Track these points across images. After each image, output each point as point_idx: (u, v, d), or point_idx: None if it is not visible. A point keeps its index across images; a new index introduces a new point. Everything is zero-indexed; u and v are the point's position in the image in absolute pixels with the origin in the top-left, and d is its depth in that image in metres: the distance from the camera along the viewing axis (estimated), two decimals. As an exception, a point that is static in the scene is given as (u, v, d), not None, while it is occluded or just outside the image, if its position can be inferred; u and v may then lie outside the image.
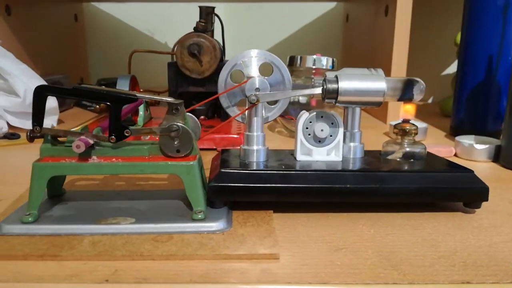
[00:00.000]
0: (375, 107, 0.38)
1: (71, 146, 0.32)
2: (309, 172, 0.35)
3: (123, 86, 0.57)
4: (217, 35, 0.67)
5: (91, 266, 0.28)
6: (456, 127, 0.65)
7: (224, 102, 0.39)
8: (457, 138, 0.55)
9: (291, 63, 0.61)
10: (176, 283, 0.26)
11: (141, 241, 0.30)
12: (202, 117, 0.64)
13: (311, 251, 0.30)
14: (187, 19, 0.73)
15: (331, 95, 0.35)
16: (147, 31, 1.12)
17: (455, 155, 0.55)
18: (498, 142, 0.52)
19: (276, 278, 0.26)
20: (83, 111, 0.82)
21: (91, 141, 0.33)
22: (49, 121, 0.69)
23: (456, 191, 0.35)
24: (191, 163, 0.33)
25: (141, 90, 0.68)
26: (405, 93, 0.38)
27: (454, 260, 0.29)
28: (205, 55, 0.58)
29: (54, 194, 0.37)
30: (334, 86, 0.35)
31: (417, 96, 0.39)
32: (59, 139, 0.34)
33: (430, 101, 1.04)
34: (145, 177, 0.44)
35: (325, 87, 0.35)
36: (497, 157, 0.52)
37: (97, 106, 0.70)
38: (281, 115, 0.41)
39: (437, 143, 0.60)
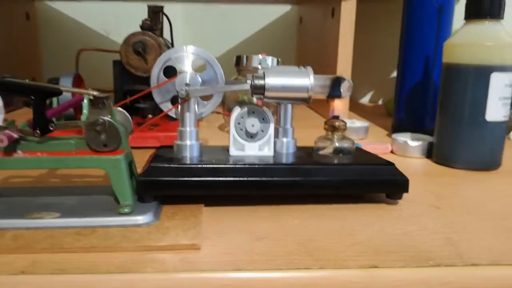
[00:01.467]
0: (305, 103, 0.39)
1: (-6, 140, 0.31)
2: (236, 166, 0.36)
3: (66, 83, 0.56)
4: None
5: (10, 259, 0.28)
6: (396, 126, 0.68)
7: (157, 97, 0.39)
8: (394, 135, 0.58)
9: (238, 62, 0.62)
10: (93, 273, 0.26)
11: (64, 235, 0.30)
12: (149, 116, 0.64)
13: (233, 241, 0.31)
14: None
15: (258, 90, 0.37)
16: (103, 31, 1.11)
17: (392, 152, 0.57)
18: (431, 139, 0.55)
19: (193, 266, 0.27)
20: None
21: (16, 135, 0.33)
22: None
23: (377, 183, 0.37)
24: (117, 157, 0.33)
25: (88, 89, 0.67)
26: (333, 90, 0.40)
27: (367, 247, 0.30)
28: (150, 53, 0.58)
29: (-18, 190, 0.36)
30: (261, 82, 0.36)
31: (345, 93, 0.41)
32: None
33: (380, 102, 1.07)
34: (80, 174, 0.44)
35: (252, 83, 0.36)
36: (430, 153, 0.54)
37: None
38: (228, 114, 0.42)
39: (377, 141, 0.62)
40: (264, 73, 0.37)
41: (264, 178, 0.35)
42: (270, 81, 0.36)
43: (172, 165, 0.35)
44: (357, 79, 1.07)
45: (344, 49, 0.73)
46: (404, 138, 0.56)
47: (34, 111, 0.32)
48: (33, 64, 1.06)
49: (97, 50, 0.71)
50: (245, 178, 0.35)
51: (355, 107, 0.96)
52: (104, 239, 0.30)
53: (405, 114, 0.67)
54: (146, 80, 0.61)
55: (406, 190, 0.37)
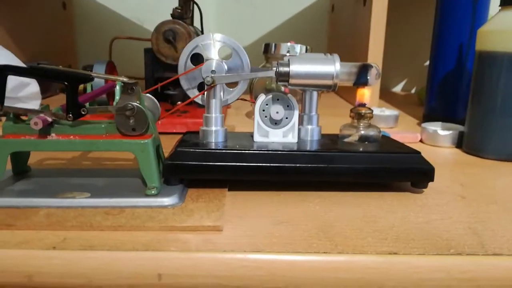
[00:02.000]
0: (331, 91, 0.39)
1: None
2: (259, 152, 0.36)
3: (99, 70, 0.58)
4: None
5: (42, 235, 0.29)
6: (427, 115, 0.66)
7: (184, 84, 0.40)
8: (423, 124, 0.57)
9: (266, 50, 0.63)
10: (119, 250, 0.28)
11: (93, 214, 0.32)
12: (178, 102, 0.65)
13: (254, 224, 0.31)
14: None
15: (282, 77, 0.37)
16: (136, 19, 1.14)
17: (421, 141, 0.56)
18: (462, 128, 0.54)
19: (214, 247, 0.28)
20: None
21: (50, 119, 0.34)
22: (32, 106, 0.70)
23: (402, 171, 0.37)
24: (145, 141, 0.34)
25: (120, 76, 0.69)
26: (360, 78, 0.40)
27: (388, 234, 0.30)
28: (180, 42, 0.60)
29: (19, 170, 0.38)
30: (286, 69, 0.37)
31: (372, 80, 0.40)
32: (22, 117, 0.36)
33: (413, 91, 1.05)
34: (111, 157, 0.45)
35: (277, 69, 0.37)
36: (461, 142, 0.53)
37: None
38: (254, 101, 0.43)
39: (407, 130, 0.61)
40: (289, 60, 0.37)
41: (287, 164, 0.36)
42: (295, 68, 0.37)
43: (197, 150, 0.36)
44: (389, 67, 1.05)
45: (376, 37, 0.72)
46: (434, 127, 0.55)
47: (67, 96, 0.34)
48: (69, 52, 1.10)
49: (130, 38, 0.73)
50: (268, 164, 0.36)
51: (386, 96, 0.94)
52: (131, 219, 0.31)
53: (437, 103, 0.65)
54: (176, 68, 0.62)
55: (432, 179, 0.37)
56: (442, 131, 0.53)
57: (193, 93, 0.40)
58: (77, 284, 0.27)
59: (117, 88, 0.60)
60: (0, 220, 0.31)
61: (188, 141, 0.39)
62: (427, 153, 0.51)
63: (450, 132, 0.53)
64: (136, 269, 0.27)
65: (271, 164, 0.36)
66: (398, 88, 1.08)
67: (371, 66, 0.40)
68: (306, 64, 0.37)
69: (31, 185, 0.36)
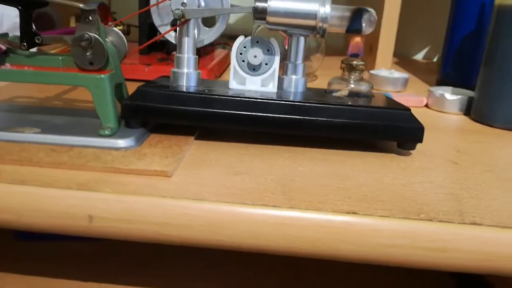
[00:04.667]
0: (317, 36, 0.35)
1: (-17, 51, 0.31)
2: (229, 98, 0.33)
3: (90, 12, 0.55)
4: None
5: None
6: (441, 80, 0.61)
7: (156, 19, 0.37)
8: (431, 88, 0.52)
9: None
10: (51, 187, 0.25)
11: (38, 150, 0.29)
12: (173, 52, 0.62)
13: (209, 174, 0.28)
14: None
15: (259, 15, 0.33)
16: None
17: (427, 106, 0.51)
18: (472, 94, 0.49)
19: (154, 192, 0.25)
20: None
21: (3, 47, 0.32)
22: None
23: (387, 128, 0.33)
24: (101, 76, 0.31)
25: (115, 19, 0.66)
26: (353, 24, 0.35)
27: (354, 193, 0.27)
28: (175, -15, 0.55)
29: (-19, 104, 0.37)
30: (264, 4, 0.33)
31: (366, 28, 0.36)
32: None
33: (435, 59, 0.98)
34: (86, 99, 0.43)
35: (254, 5, 0.33)
36: (470, 109, 0.48)
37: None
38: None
39: (412, 93, 0.56)
40: (266, -3, 0.33)
41: (258, 113, 0.32)
42: (274, 3, 0.32)
43: (160, 91, 0.33)
44: (411, 33, 0.98)
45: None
46: (442, 91, 0.50)
47: (21, 23, 0.31)
48: None
49: (130, -18, 0.69)
50: (239, 112, 0.32)
51: (404, 62, 0.88)
52: (76, 158, 0.28)
53: (453, 68, 0.60)
54: (171, 14, 0.59)
55: (420, 140, 0.33)
56: (450, 96, 0.48)
57: (165, 30, 0.37)
58: (5, 218, 0.25)
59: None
60: None
61: (156, 82, 0.36)
62: (430, 118, 0.47)
63: (458, 97, 0.48)
64: (66, 209, 0.25)
65: (242, 112, 0.32)
66: (419, 56, 1.01)
67: (367, 11, 0.35)
68: (287, 1, 0.33)
69: (-13, 118, 0.34)
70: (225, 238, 0.24)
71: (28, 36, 0.31)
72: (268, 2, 0.32)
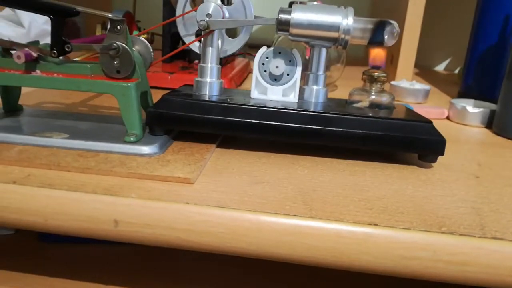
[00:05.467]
0: (339, 47, 0.35)
1: (16, 58, 0.32)
2: (252, 107, 0.33)
3: (115, 21, 0.57)
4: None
5: (8, 170, 0.28)
6: (463, 93, 0.61)
7: (181, 30, 0.37)
8: (453, 100, 0.51)
9: (290, 10, 0.59)
10: (77, 191, 0.26)
11: (66, 155, 0.30)
12: (196, 61, 0.63)
13: (231, 181, 0.29)
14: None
15: (283, 26, 0.33)
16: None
17: (448, 118, 0.51)
18: (494, 107, 0.48)
19: (177, 198, 0.26)
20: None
21: (34, 54, 0.33)
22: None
23: (408, 141, 0.33)
24: (128, 84, 0.32)
25: (143, 29, 0.68)
26: (375, 36, 0.36)
27: (376, 205, 0.27)
28: (198, -5, 0.57)
29: (10, 109, 0.38)
30: (287, 16, 0.33)
31: (389, 40, 0.36)
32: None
33: (456, 71, 0.97)
34: (110, 106, 0.44)
35: (277, 17, 0.33)
36: (491, 121, 0.48)
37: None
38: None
39: (434, 105, 0.56)
40: (292, 7, 0.33)
41: (279, 123, 0.33)
42: (297, 16, 0.33)
43: (184, 100, 0.34)
44: (433, 45, 0.98)
45: (415, 4, 0.66)
46: (464, 103, 0.50)
47: (52, 31, 0.32)
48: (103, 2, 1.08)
49: (155, -8, 0.71)
50: (260, 121, 0.33)
51: (425, 74, 0.88)
52: (102, 163, 0.29)
53: (474, 81, 0.59)
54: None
55: (442, 153, 0.33)
56: (471, 108, 0.48)
57: (189, 40, 0.37)
58: (32, 221, 0.26)
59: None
60: (-28, 152, 0.30)
61: (180, 91, 0.37)
62: (452, 130, 0.46)
63: (480, 110, 0.48)
64: (92, 213, 0.25)
65: (263, 122, 0.33)
66: (441, 67, 1.01)
67: (389, 23, 0.36)
68: (309, 13, 0.33)
69: (16, 122, 0.35)
70: (246, 246, 0.25)
71: (58, 44, 0.33)
72: (292, 14, 0.33)
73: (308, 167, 0.32)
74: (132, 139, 0.32)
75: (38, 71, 0.33)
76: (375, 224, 0.24)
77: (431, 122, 0.34)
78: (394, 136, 0.33)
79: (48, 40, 0.68)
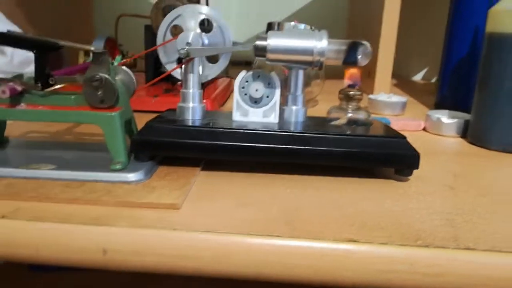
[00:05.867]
0: (315, 69, 0.37)
1: (0, 92, 0.33)
2: (233, 130, 0.34)
3: (98, 46, 0.58)
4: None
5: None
6: (438, 103, 0.63)
7: (162, 57, 0.39)
8: (429, 112, 0.53)
9: (269, 29, 0.60)
10: (67, 223, 0.27)
11: (53, 186, 0.31)
12: (179, 82, 0.64)
13: (217, 205, 0.30)
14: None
15: (260, 52, 0.35)
16: None
17: (425, 129, 0.53)
18: (468, 117, 0.50)
19: (165, 224, 0.27)
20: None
21: (19, 88, 0.34)
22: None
23: (384, 156, 0.34)
24: (112, 114, 0.33)
25: (126, 52, 0.69)
26: (348, 56, 0.37)
27: (356, 221, 0.28)
28: (178, 19, 0.58)
29: (-4, 141, 0.38)
30: (263, 43, 0.34)
31: (362, 60, 0.37)
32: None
33: (433, 80, 1.00)
34: (96, 132, 0.45)
35: (254, 43, 0.35)
36: (466, 131, 0.49)
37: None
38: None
39: (411, 118, 0.58)
40: (267, 34, 0.35)
41: (260, 145, 0.34)
42: (273, 42, 0.34)
43: (167, 126, 0.35)
44: (410, 55, 1.00)
45: (389, 19, 0.68)
46: (440, 115, 0.52)
47: (36, 65, 0.33)
48: (86, 26, 1.09)
49: (135, 16, 0.72)
50: (242, 143, 0.34)
51: (403, 84, 0.90)
52: (89, 193, 0.30)
53: (449, 91, 0.62)
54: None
55: (416, 167, 0.34)
56: (446, 119, 0.50)
57: (172, 67, 0.39)
58: (25, 253, 0.27)
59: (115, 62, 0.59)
60: (-40, 188, 0.30)
61: (163, 117, 0.38)
62: (428, 142, 0.48)
63: (455, 120, 0.50)
64: (82, 243, 0.26)
65: (245, 144, 0.34)
66: (418, 77, 1.03)
67: (361, 44, 0.37)
68: (285, 38, 0.35)
69: (2, 155, 0.36)
70: (233, 268, 0.26)
71: (42, 77, 0.33)
72: (268, 40, 0.34)
73: (291, 186, 0.33)
74: (117, 167, 0.33)
75: (23, 104, 0.34)
76: (355, 241, 0.26)
77: (405, 138, 0.35)
78: (370, 152, 0.34)
79: (31, 68, 0.69)
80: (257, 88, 0.37)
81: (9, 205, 0.29)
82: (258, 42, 0.35)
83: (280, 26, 0.60)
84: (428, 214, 0.30)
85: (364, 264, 0.25)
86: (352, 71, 0.39)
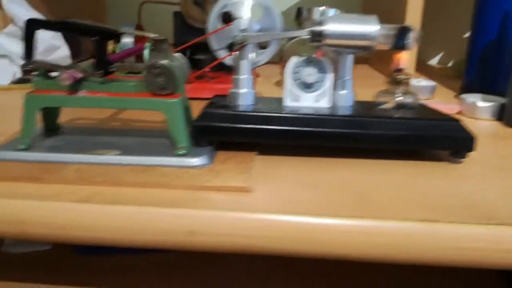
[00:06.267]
0: (367, 54, 0.37)
1: (60, 79, 0.33)
2: (289, 115, 0.35)
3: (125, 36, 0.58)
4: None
5: (71, 189, 0.29)
6: (465, 87, 0.63)
7: (214, 44, 0.39)
8: (462, 95, 0.54)
9: (299, 15, 0.61)
10: (147, 205, 0.27)
11: (122, 171, 0.32)
12: (207, 69, 0.64)
13: (286, 187, 0.31)
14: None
15: (316, 37, 0.35)
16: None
17: (459, 113, 0.54)
18: (503, 100, 0.51)
19: (246, 207, 0.27)
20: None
21: (79, 75, 0.34)
22: (62, 70, 0.70)
23: (439, 139, 0.35)
24: (173, 100, 0.33)
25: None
26: (398, 41, 0.38)
27: (427, 202, 0.29)
28: (209, 4, 0.58)
29: (50, 128, 0.39)
30: (320, 28, 0.35)
31: (411, 44, 0.38)
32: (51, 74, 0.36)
33: (450, 64, 1.01)
34: (140, 119, 0.45)
35: (311, 29, 0.35)
36: (502, 115, 0.50)
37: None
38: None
39: (444, 101, 0.58)
40: (323, 19, 0.35)
41: (318, 129, 0.35)
42: (330, 27, 0.35)
43: (227, 112, 0.35)
44: (426, 39, 1.00)
45: (414, 6, 0.68)
46: (474, 98, 0.52)
47: (97, 52, 0.33)
48: (99, 15, 1.09)
49: (160, 2, 0.71)
50: (298, 128, 0.35)
51: (421, 68, 0.91)
52: (158, 176, 0.31)
53: (477, 74, 0.62)
54: (205, 32, 0.61)
55: (471, 149, 0.35)
56: (481, 103, 0.51)
57: (222, 54, 0.39)
58: (104, 237, 0.27)
59: (146, 50, 0.59)
60: (31, 174, 0.31)
61: (216, 103, 0.38)
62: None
63: (491, 104, 0.50)
64: (167, 225, 0.27)
65: (302, 128, 0.35)
66: (434, 61, 1.04)
67: (411, 29, 0.38)
68: (342, 23, 0.35)
69: (61, 141, 0.36)
70: (311, 248, 0.26)
71: (103, 65, 0.34)
72: (325, 26, 0.35)
73: (349, 169, 0.34)
74: (181, 152, 0.33)
75: (83, 90, 0.34)
76: (436, 221, 0.26)
77: (459, 120, 0.36)
78: (426, 135, 0.35)
79: (55, 55, 0.68)
80: (310, 73, 0.37)
81: (84, 190, 0.29)
82: (316, 28, 0.35)
83: (309, 11, 0.60)
84: (492, 194, 0.30)
85: (446, 242, 0.26)
86: (400, 55, 0.40)
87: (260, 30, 0.38)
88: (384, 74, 0.81)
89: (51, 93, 0.34)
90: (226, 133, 0.35)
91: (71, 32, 0.34)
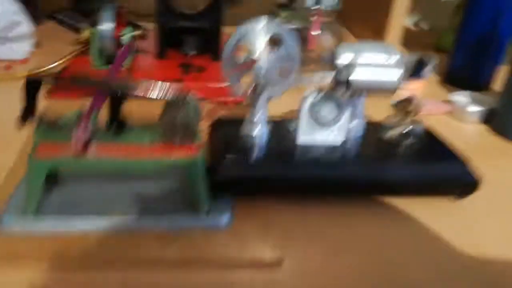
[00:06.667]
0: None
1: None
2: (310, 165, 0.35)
3: (106, 18, 0.52)
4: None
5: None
6: (451, 73, 0.64)
7: (225, 72, 0.36)
8: (452, 96, 0.55)
9: (291, 1, 0.57)
10: None
11: (147, 240, 0.31)
12: (192, 53, 0.60)
13: (314, 255, 0.31)
14: None
15: (342, 85, 0.34)
16: None
17: (448, 113, 0.55)
18: (492, 103, 0.52)
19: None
20: (58, 28, 0.76)
21: (88, 137, 0.31)
22: (24, 47, 0.63)
23: (445, 185, 0.37)
24: (195, 159, 0.32)
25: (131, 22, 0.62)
26: (415, 73, 0.37)
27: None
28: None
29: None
30: (345, 77, 0.34)
31: (427, 75, 0.38)
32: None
33: (425, 27, 0.99)
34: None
35: (336, 77, 0.34)
36: (489, 118, 0.52)
37: (81, 35, 0.64)
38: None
39: (432, 91, 0.60)
40: (347, 68, 0.34)
41: (337, 177, 0.35)
42: (355, 76, 0.34)
43: (248, 165, 0.35)
44: None
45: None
46: (462, 98, 0.54)
47: (111, 108, 0.31)
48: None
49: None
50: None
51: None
52: (189, 248, 0.30)
53: (462, 63, 0.63)
54: (192, 17, 0.57)
55: (472, 192, 0.37)
56: (471, 107, 0.53)
57: (233, 79, 0.36)
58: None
59: (125, 36, 0.54)
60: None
61: (230, 142, 0.37)
62: (452, 128, 0.51)
63: (480, 109, 0.52)
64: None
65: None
66: (408, 22, 1.01)
67: (429, 60, 0.37)
68: (367, 73, 0.34)
69: (69, 196, 0.34)
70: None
71: (117, 122, 0.31)
72: (350, 75, 0.33)
73: (367, 221, 0.35)
74: (204, 210, 0.33)
75: (93, 144, 0.32)
76: None
77: (465, 162, 0.37)
78: (431, 182, 0.37)
79: (18, 30, 0.61)
80: (328, 111, 0.36)
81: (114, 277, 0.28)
82: (341, 77, 0.34)
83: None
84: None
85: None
86: (414, 85, 0.39)
87: (278, 59, 0.36)
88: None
89: (57, 155, 0.31)
90: (252, 186, 0.35)
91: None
